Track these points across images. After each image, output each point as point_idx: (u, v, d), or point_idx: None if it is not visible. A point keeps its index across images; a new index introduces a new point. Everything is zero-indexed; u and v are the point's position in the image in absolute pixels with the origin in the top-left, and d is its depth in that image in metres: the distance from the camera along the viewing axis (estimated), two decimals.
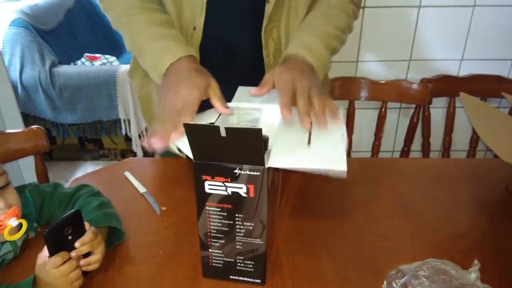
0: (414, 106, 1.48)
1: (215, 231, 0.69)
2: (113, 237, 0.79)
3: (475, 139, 1.59)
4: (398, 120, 1.80)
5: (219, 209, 0.67)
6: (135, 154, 2.57)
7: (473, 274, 0.66)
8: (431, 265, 0.67)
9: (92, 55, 2.75)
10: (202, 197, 0.66)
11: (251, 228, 0.67)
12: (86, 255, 0.70)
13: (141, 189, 0.96)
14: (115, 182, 1.00)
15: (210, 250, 0.71)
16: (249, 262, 0.70)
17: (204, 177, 0.64)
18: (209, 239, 0.70)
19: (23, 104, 2.43)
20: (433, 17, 1.58)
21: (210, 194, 0.65)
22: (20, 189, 0.80)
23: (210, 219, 0.68)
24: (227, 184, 0.64)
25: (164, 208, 0.90)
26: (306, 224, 0.86)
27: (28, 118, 2.49)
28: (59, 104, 2.47)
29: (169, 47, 0.82)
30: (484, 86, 1.59)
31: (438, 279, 0.65)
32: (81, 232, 0.69)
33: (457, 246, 0.81)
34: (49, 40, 2.57)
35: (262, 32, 0.94)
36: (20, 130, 1.10)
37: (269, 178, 0.64)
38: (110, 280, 0.73)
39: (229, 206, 0.66)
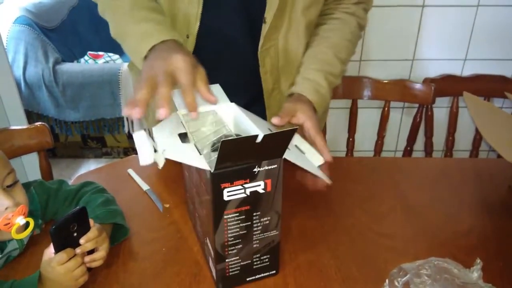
0: (417, 105, 1.48)
1: (232, 238, 0.65)
2: (117, 234, 0.80)
3: (478, 139, 1.59)
4: (401, 119, 1.80)
5: (237, 214, 0.63)
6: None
7: (475, 273, 0.66)
8: (433, 264, 0.67)
9: (96, 53, 2.76)
10: (221, 207, 0.62)
11: (267, 222, 0.66)
12: (91, 251, 0.70)
13: (144, 186, 0.96)
14: (119, 180, 1.01)
15: (227, 260, 0.67)
16: (265, 257, 0.69)
17: (223, 185, 0.60)
18: (226, 249, 0.66)
19: (27, 101, 2.44)
20: (436, 17, 1.58)
21: (229, 201, 0.62)
22: (26, 186, 0.80)
23: (228, 227, 0.64)
24: (245, 185, 0.61)
25: (167, 205, 0.91)
26: (308, 222, 0.86)
27: (31, 116, 2.49)
28: (62, 102, 2.48)
29: (153, 30, 0.77)
30: (488, 86, 1.59)
31: (440, 278, 0.65)
32: (86, 228, 0.69)
33: (459, 245, 0.81)
34: (53, 38, 2.58)
35: (259, 52, 0.93)
36: (24, 127, 1.10)
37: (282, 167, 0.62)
38: (113, 276, 0.73)
39: (248, 207, 0.63)
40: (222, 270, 0.69)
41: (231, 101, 0.77)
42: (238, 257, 0.68)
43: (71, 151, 2.71)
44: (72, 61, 2.66)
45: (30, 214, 0.76)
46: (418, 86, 1.44)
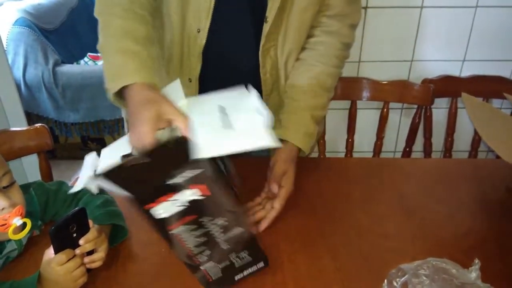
0: (416, 106, 1.48)
1: (195, 247, 0.65)
2: (117, 235, 0.80)
3: (477, 140, 1.59)
4: (400, 120, 1.80)
5: (186, 225, 0.62)
6: None
7: (473, 273, 0.67)
8: (431, 264, 0.68)
9: (95, 54, 2.76)
10: (160, 225, 0.62)
11: (226, 222, 0.64)
12: (90, 252, 0.71)
13: None
14: None
15: (202, 267, 0.68)
16: (243, 253, 0.68)
17: (147, 207, 0.60)
18: (194, 259, 0.66)
19: (26, 103, 2.44)
20: (435, 18, 1.58)
21: (165, 218, 0.61)
22: (25, 187, 0.81)
23: (184, 239, 0.64)
24: (176, 198, 0.59)
25: None
26: (307, 223, 0.86)
27: (31, 117, 2.50)
28: (62, 103, 2.48)
29: (130, 69, 0.77)
30: (486, 87, 1.59)
31: (439, 278, 0.65)
32: (85, 229, 0.69)
33: (458, 246, 0.81)
34: (53, 40, 2.58)
35: (260, 51, 0.94)
36: (24, 128, 1.10)
37: (213, 168, 0.59)
38: (112, 277, 0.74)
39: (194, 216, 0.62)
40: (203, 278, 0.69)
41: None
42: (212, 262, 0.68)
43: (71, 153, 2.71)
44: (72, 63, 2.66)
45: (29, 215, 0.76)
46: (416, 87, 1.44)
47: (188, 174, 0.58)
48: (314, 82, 0.97)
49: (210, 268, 0.69)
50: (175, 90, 0.77)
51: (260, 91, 1.00)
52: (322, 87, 0.98)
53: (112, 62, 0.80)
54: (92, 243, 0.70)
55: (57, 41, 2.61)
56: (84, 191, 0.85)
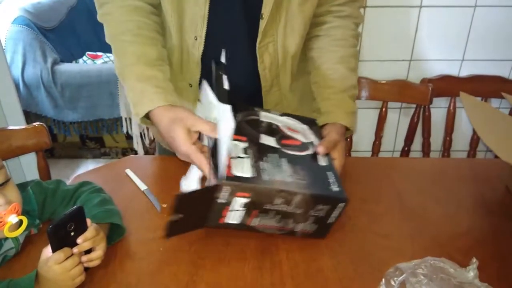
0: (414, 106, 1.48)
1: (278, 223, 0.77)
2: (114, 234, 0.80)
3: (475, 140, 1.60)
4: (398, 120, 1.80)
5: (257, 218, 0.76)
6: (136, 152, 2.56)
7: (471, 272, 0.67)
8: (429, 263, 0.68)
9: (94, 53, 2.76)
10: (240, 226, 0.76)
11: (283, 199, 0.73)
12: (88, 251, 0.71)
13: (142, 186, 0.96)
14: (116, 180, 1.01)
15: (296, 230, 0.79)
16: (319, 206, 0.75)
17: (220, 221, 0.76)
18: (285, 228, 0.78)
19: (25, 101, 2.44)
20: (434, 17, 1.58)
21: (240, 222, 0.76)
22: (23, 186, 0.81)
23: (265, 223, 0.77)
24: (231, 209, 0.74)
25: (164, 205, 0.91)
26: None
27: (29, 116, 2.49)
28: (61, 102, 2.47)
29: (149, 93, 0.85)
30: (485, 87, 1.59)
31: (437, 277, 0.65)
32: (83, 228, 0.69)
33: (456, 245, 0.81)
34: (51, 38, 2.58)
35: (257, 48, 0.94)
36: (22, 127, 1.10)
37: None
38: (110, 276, 0.73)
39: (257, 210, 0.74)
40: (305, 234, 0.80)
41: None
42: (300, 224, 0.78)
43: (69, 152, 2.70)
44: (71, 62, 2.66)
45: (27, 214, 0.76)
46: (415, 86, 1.44)
47: (227, 191, 0.70)
48: (340, 67, 0.99)
49: (303, 227, 0.78)
50: (206, 92, 0.85)
51: (258, 87, 1.00)
52: (349, 68, 0.99)
53: (132, 89, 0.88)
54: (90, 242, 0.70)
55: (56, 40, 2.61)
56: (81, 190, 0.85)
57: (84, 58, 2.74)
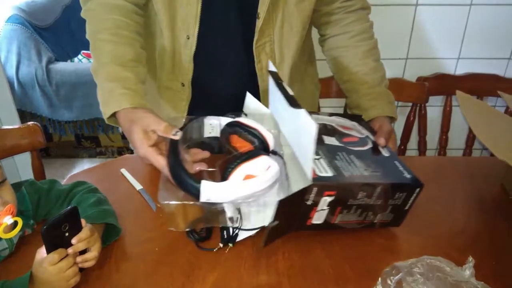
0: (410, 104, 1.48)
1: (359, 217, 0.79)
2: (110, 234, 0.79)
3: (471, 138, 1.60)
4: None
5: (341, 214, 0.78)
6: (132, 152, 2.56)
7: (467, 271, 0.67)
8: (425, 262, 0.68)
9: (89, 52, 2.74)
10: (325, 226, 0.79)
11: (365, 192, 0.75)
12: (83, 251, 0.70)
13: (137, 186, 0.96)
14: (111, 179, 1.00)
15: (375, 221, 0.81)
16: (397, 195, 0.78)
17: (308, 223, 0.78)
18: (365, 221, 0.81)
19: (20, 101, 2.43)
20: (430, 16, 1.58)
21: (325, 220, 0.77)
22: (17, 186, 0.80)
23: (348, 219, 0.79)
24: (318, 209, 0.75)
25: (159, 205, 0.90)
26: None
27: (24, 115, 2.48)
28: (56, 101, 2.46)
29: (117, 94, 0.83)
30: (481, 85, 1.59)
31: (433, 276, 0.65)
32: (77, 228, 0.69)
33: (452, 244, 0.81)
34: (46, 37, 2.56)
35: (254, 47, 0.94)
36: (16, 127, 1.09)
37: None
38: (106, 277, 0.73)
39: (340, 207, 0.76)
40: (383, 224, 0.83)
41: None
42: (379, 214, 0.80)
43: (65, 151, 2.69)
44: (66, 60, 2.64)
45: (21, 214, 0.76)
46: (411, 85, 1.44)
47: (315, 191, 0.71)
48: (368, 61, 1.01)
49: (381, 217, 0.80)
50: (253, 103, 0.88)
51: (255, 87, 0.99)
52: (376, 60, 1.03)
53: (102, 88, 0.86)
54: (84, 242, 0.69)
55: (50, 38, 2.59)
56: (76, 190, 0.85)
57: (79, 56, 2.73)
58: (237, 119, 0.82)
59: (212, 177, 0.74)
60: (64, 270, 0.66)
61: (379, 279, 0.68)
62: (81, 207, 0.78)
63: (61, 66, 2.47)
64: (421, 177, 1.01)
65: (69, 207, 0.68)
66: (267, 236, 0.74)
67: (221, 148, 0.83)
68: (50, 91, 2.42)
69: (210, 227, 0.82)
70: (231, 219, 0.82)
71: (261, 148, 0.79)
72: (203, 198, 0.69)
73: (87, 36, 0.92)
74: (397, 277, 0.66)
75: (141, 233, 0.83)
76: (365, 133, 0.91)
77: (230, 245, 0.79)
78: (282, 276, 0.73)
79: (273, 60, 0.97)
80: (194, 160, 0.79)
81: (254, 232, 0.80)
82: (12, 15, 2.45)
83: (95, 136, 2.62)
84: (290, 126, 0.80)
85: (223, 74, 1.01)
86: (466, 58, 1.67)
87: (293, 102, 0.77)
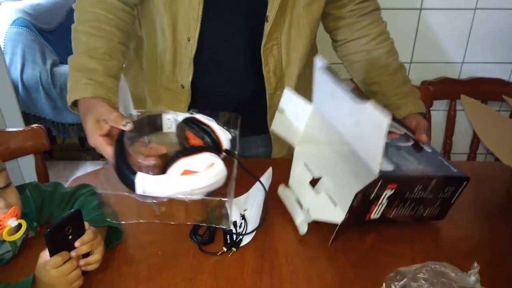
0: None
1: (411, 211, 0.83)
2: (112, 237, 0.79)
3: (475, 142, 1.59)
4: None
5: (397, 208, 0.81)
6: None
7: (472, 277, 0.66)
8: (430, 268, 0.67)
9: None
10: (381, 220, 0.82)
11: (421, 185, 0.78)
12: (86, 254, 0.70)
13: None
14: (115, 182, 1.00)
15: (425, 215, 0.85)
16: (448, 188, 0.82)
17: (367, 218, 0.80)
18: (416, 216, 0.84)
19: (24, 103, 2.44)
20: (434, 20, 1.58)
21: (381, 214, 0.81)
22: (21, 189, 0.80)
23: (402, 213, 0.82)
24: (379, 203, 0.79)
25: (163, 208, 0.90)
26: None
27: (28, 118, 2.49)
28: (60, 104, 2.47)
29: (80, 84, 0.83)
30: (485, 89, 1.59)
31: (438, 282, 0.65)
32: (81, 231, 0.69)
33: (457, 249, 0.80)
34: (51, 40, 2.57)
35: (262, 50, 0.94)
36: (20, 129, 1.10)
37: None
38: (108, 280, 0.73)
39: (396, 200, 0.79)
40: (432, 218, 0.87)
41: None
42: (427, 208, 0.84)
43: (68, 153, 2.70)
44: None
45: (25, 216, 0.76)
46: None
47: (380, 185, 0.73)
48: (390, 61, 1.03)
49: (429, 211, 0.84)
50: (293, 98, 0.88)
51: (261, 90, 0.99)
52: (397, 59, 1.05)
53: (70, 76, 0.87)
54: (88, 245, 0.69)
55: (55, 41, 2.60)
56: (79, 193, 0.85)
57: None
58: (194, 115, 0.81)
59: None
60: (67, 273, 0.66)
61: (383, 284, 0.67)
62: (84, 209, 0.78)
63: (65, 69, 2.47)
64: None
65: (72, 210, 0.68)
66: (337, 232, 0.76)
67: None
68: (54, 93, 2.43)
69: (213, 231, 0.82)
70: (234, 223, 0.82)
71: (213, 146, 0.78)
72: (139, 190, 0.69)
73: (71, 26, 0.92)
74: (401, 282, 0.66)
75: (144, 236, 0.83)
76: (403, 130, 0.93)
77: (234, 249, 0.78)
78: (285, 281, 0.73)
79: (280, 63, 0.97)
80: (149, 154, 0.78)
81: (253, 234, 0.80)
82: (17, 18, 2.46)
83: None
84: (347, 120, 0.78)
85: (224, 77, 1.01)
86: (471, 62, 1.66)
87: (359, 95, 0.75)
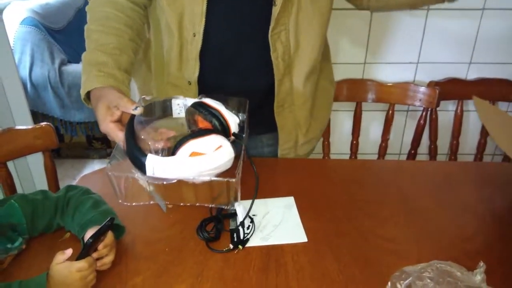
0: (421, 109, 1.48)
1: None
2: (114, 234, 0.78)
3: (482, 143, 1.58)
4: (405, 122, 1.79)
5: None
6: None
7: (478, 276, 0.66)
8: (435, 267, 0.67)
9: None
10: None
11: None
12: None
13: (148, 187, 0.96)
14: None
15: None
16: None
17: None
18: None
19: (32, 101, 2.46)
20: (441, 20, 1.57)
21: None
22: (2, 202, 0.77)
23: None
24: None
25: (170, 206, 0.91)
26: (311, 225, 0.86)
27: (37, 116, 2.51)
28: (68, 102, 2.49)
29: (92, 76, 0.86)
30: (493, 90, 1.58)
31: (443, 281, 0.65)
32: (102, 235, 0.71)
33: (462, 249, 0.80)
34: (59, 39, 2.59)
35: (269, 35, 0.94)
36: (29, 127, 1.11)
37: None
38: (116, 276, 0.74)
39: None
40: None
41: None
42: None
43: (75, 152, 2.72)
44: (78, 62, 2.67)
45: (14, 228, 0.75)
46: (422, 89, 1.43)
47: None
48: None
49: None
50: None
51: (270, 76, 1.00)
52: None
53: (83, 71, 0.89)
54: (108, 248, 0.72)
55: (63, 40, 2.62)
56: (69, 195, 0.83)
57: None
58: (202, 99, 0.82)
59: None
60: (87, 275, 0.68)
61: (389, 283, 0.67)
62: (80, 211, 0.79)
63: (73, 68, 2.49)
64: (431, 182, 1.02)
65: (108, 218, 0.71)
66: None
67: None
68: (63, 92, 2.45)
69: (220, 229, 0.83)
70: (241, 223, 0.83)
71: (221, 129, 0.79)
72: (148, 171, 0.70)
73: (84, 26, 0.95)
74: (406, 281, 0.66)
75: (151, 234, 0.84)
76: None
77: (240, 247, 0.79)
78: (291, 279, 0.73)
79: (288, 49, 0.97)
80: (160, 138, 0.79)
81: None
82: (27, 17, 2.48)
83: (106, 137, 2.62)
84: None
85: (230, 71, 1.01)
86: (478, 63, 1.66)
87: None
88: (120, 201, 0.79)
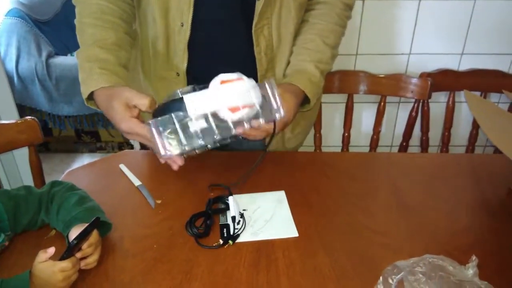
0: (413, 100, 1.47)
1: None
2: (101, 230, 0.77)
3: (474, 135, 1.58)
4: (397, 114, 1.78)
5: None
6: (132, 147, 2.56)
7: (470, 270, 0.66)
8: (428, 261, 0.66)
9: None
10: None
11: None
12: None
13: (136, 182, 0.95)
14: (110, 175, 0.99)
15: None
16: None
17: None
18: None
19: (20, 95, 2.42)
20: (433, 11, 1.56)
21: None
22: None
23: None
24: None
25: (159, 202, 0.89)
26: (302, 219, 0.85)
27: (24, 110, 2.47)
28: (56, 96, 2.45)
29: (95, 74, 0.84)
30: (485, 81, 1.57)
31: (435, 275, 0.64)
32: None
33: (455, 243, 0.80)
34: (46, 31, 2.55)
35: (253, 30, 0.93)
36: (13, 121, 1.08)
37: None
38: (103, 274, 0.72)
39: None
40: None
41: None
42: None
43: (64, 146, 2.68)
44: (66, 55, 2.63)
45: None
46: (414, 80, 1.43)
47: None
48: (316, 38, 0.98)
49: None
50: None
51: (254, 71, 0.98)
52: (325, 42, 0.99)
53: (82, 68, 0.87)
54: (92, 247, 0.70)
55: (50, 32, 2.58)
56: (54, 190, 0.81)
57: None
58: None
59: None
60: (71, 275, 0.67)
61: (380, 278, 0.67)
62: (64, 208, 0.77)
63: (61, 60, 2.45)
64: (423, 175, 1.01)
65: (94, 218, 0.69)
66: None
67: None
68: (50, 85, 2.41)
69: (209, 224, 0.81)
70: (233, 218, 0.81)
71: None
72: (191, 110, 0.71)
73: (75, 21, 0.92)
74: (398, 276, 0.65)
75: (140, 230, 0.82)
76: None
77: (230, 242, 0.78)
78: (282, 275, 0.72)
79: (270, 43, 0.96)
80: None
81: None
82: (12, 9, 2.43)
83: (95, 131, 2.61)
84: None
85: (218, 61, 1.00)
86: (470, 54, 1.65)
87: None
88: (162, 154, 0.74)
